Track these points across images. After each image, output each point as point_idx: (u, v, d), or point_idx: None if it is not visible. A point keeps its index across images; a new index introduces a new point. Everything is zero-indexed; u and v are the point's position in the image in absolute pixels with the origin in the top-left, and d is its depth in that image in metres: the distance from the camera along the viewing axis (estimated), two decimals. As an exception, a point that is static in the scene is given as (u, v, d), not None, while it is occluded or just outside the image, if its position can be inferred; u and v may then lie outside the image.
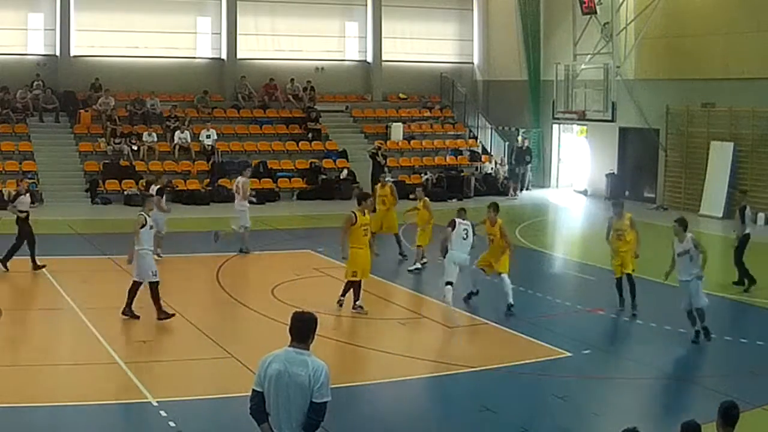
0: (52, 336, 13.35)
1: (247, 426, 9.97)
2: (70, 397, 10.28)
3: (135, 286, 13.69)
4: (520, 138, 32.79)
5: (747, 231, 17.24)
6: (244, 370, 11.47)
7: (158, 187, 19.29)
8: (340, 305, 14.54)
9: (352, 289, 14.52)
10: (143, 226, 13.74)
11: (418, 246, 18.12)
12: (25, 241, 17.24)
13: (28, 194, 18.12)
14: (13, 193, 18.92)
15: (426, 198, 18.92)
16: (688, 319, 13.09)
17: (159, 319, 13.51)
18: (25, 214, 17.41)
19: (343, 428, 9.82)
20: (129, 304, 13.65)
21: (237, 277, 17.22)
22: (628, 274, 14.74)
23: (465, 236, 14.55)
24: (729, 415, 6.61)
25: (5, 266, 17.03)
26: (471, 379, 11.56)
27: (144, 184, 27.20)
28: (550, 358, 12.40)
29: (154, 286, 13.61)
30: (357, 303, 14.52)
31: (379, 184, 19.77)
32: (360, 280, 14.45)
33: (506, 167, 32.42)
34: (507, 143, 33.17)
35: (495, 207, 15.08)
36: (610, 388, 11.68)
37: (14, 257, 18.12)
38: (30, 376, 11.01)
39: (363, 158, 31.21)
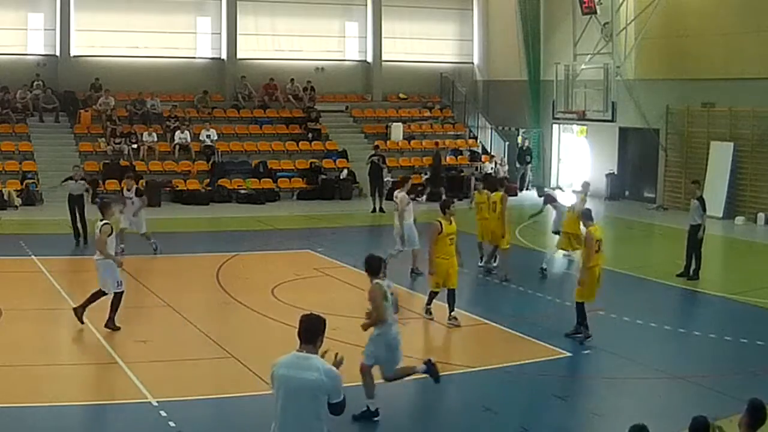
0: (52, 336, 13.35)
1: (247, 426, 10.00)
2: (70, 397, 10.28)
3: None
4: (520, 138, 32.81)
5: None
6: (244, 370, 11.48)
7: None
8: (428, 313, 14.24)
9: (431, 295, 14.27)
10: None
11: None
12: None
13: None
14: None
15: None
16: None
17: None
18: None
19: (343, 428, 9.82)
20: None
21: (237, 277, 17.21)
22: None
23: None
24: (757, 417, 6.45)
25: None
26: (471, 379, 11.56)
27: (143, 183, 27.23)
28: (550, 358, 12.39)
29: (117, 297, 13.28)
30: (429, 307, 14.28)
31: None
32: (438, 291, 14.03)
33: (506, 167, 32.43)
34: (507, 143, 33.18)
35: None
36: (610, 388, 11.67)
37: (17, 257, 18.17)
38: (30, 376, 11.01)
39: (363, 158, 31.21)
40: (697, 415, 6.61)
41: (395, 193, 18.35)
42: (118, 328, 13.04)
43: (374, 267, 10.40)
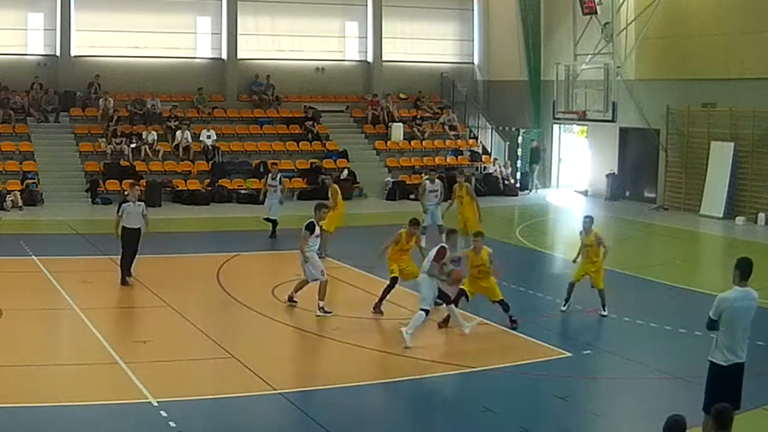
0: (52, 336, 13.36)
1: (247, 426, 10.01)
2: (70, 397, 10.28)
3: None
4: (520, 138, 32.88)
5: None
6: (244, 370, 11.48)
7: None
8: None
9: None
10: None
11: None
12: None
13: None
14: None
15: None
16: None
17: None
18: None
19: (343, 428, 9.82)
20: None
21: (237, 277, 17.22)
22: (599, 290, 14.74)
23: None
24: (724, 417, 6.63)
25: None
26: (471, 379, 11.56)
27: (144, 183, 27.23)
28: (550, 358, 12.40)
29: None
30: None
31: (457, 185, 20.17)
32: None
33: (510, 169, 32.43)
34: (507, 143, 33.16)
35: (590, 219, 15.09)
36: (610, 388, 11.68)
37: (18, 257, 18.17)
38: (30, 376, 11.00)
39: (363, 158, 31.23)
40: (672, 414, 6.71)
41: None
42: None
43: (310, 226, 14.49)
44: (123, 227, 16.03)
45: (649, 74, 28.69)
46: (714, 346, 8.88)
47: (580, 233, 15.00)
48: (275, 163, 24.75)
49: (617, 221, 26.41)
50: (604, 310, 14.65)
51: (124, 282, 16.04)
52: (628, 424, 10.35)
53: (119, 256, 16.17)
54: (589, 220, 15.04)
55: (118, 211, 16.12)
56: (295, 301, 14.85)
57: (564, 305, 14.97)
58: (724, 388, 8.60)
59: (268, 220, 21.53)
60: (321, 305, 14.39)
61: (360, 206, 27.93)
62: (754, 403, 10.24)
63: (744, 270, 8.81)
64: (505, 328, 13.80)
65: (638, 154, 30.09)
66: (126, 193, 17.90)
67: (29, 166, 27.02)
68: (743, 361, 8.87)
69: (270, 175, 21.93)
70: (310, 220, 14.70)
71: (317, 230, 14.61)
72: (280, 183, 21.75)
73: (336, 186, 20.43)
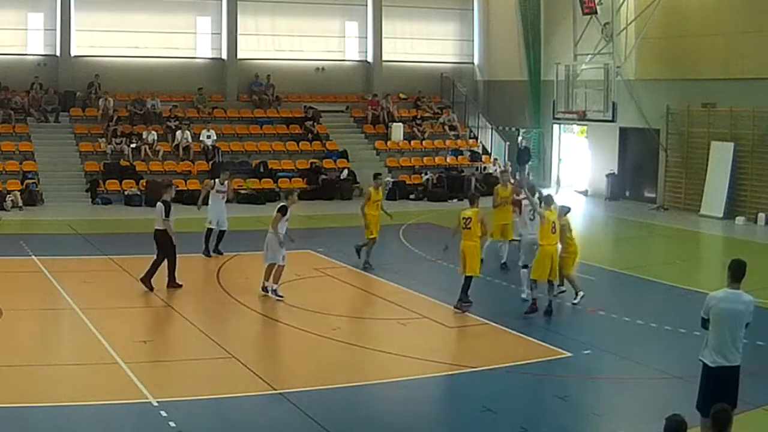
0: (52, 336, 13.36)
1: (247, 426, 10.01)
2: (70, 397, 10.28)
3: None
4: (520, 137, 32.80)
5: None
6: (244, 370, 11.48)
7: None
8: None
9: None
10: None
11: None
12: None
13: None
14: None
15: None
16: None
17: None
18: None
19: (343, 428, 9.82)
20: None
21: (237, 277, 17.22)
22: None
23: (532, 217, 15.14)
24: (722, 418, 6.64)
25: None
26: (471, 379, 11.55)
27: (144, 183, 27.21)
28: (550, 358, 12.40)
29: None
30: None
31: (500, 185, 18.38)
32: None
33: (510, 169, 32.35)
34: (507, 143, 33.13)
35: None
36: (610, 388, 11.68)
37: (18, 257, 18.16)
38: (30, 376, 11.01)
39: (363, 158, 31.21)
40: (671, 414, 6.72)
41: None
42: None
43: (282, 209, 15.40)
44: (161, 229, 15.84)
45: (649, 74, 28.68)
46: (704, 345, 8.80)
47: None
48: (227, 169, 21.99)
49: (617, 221, 26.42)
50: (576, 297, 15.11)
51: (174, 284, 15.71)
52: (628, 424, 10.34)
53: (163, 260, 15.76)
54: (564, 208, 15.44)
55: (167, 214, 15.91)
56: (279, 296, 15.24)
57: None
58: (714, 389, 8.50)
59: (210, 230, 19.33)
60: (274, 288, 15.23)
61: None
62: (754, 403, 10.25)
63: (736, 272, 8.68)
64: (504, 328, 13.81)
65: (638, 154, 30.08)
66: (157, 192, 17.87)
67: (29, 166, 27.02)
68: (734, 365, 8.64)
69: (218, 180, 19.61)
70: (282, 204, 15.67)
71: (288, 214, 15.50)
72: (228, 188, 19.90)
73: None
